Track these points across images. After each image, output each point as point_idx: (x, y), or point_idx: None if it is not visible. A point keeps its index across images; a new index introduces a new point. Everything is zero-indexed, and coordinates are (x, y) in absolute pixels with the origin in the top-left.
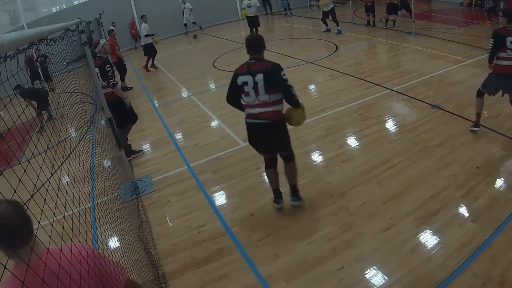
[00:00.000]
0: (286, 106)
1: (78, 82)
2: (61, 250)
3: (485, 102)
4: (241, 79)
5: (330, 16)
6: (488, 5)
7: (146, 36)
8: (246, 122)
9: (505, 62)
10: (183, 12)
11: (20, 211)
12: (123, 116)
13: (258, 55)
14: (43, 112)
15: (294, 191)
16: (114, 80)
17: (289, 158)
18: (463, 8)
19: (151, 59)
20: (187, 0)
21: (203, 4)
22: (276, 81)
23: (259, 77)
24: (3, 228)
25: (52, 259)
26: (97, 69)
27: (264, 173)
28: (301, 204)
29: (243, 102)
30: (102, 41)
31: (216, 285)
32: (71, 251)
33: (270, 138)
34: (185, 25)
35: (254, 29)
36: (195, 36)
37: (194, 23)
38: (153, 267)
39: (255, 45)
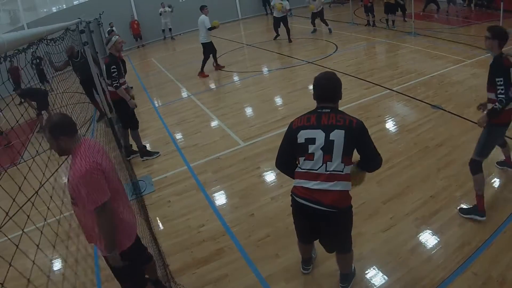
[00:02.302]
0: None
1: (78, 82)
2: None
3: (483, 100)
4: (304, 134)
5: (319, 17)
6: None
7: (210, 29)
8: (294, 200)
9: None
10: (160, 13)
11: (68, 115)
12: (126, 117)
13: (333, 104)
14: (43, 112)
15: (347, 279)
16: (117, 82)
17: (347, 249)
18: (463, 8)
19: (207, 59)
20: (167, 3)
21: (202, 3)
22: (361, 146)
23: (338, 135)
24: (67, 123)
25: (88, 140)
26: (103, 68)
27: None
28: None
29: (298, 169)
30: (115, 38)
31: (216, 285)
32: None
33: (330, 234)
34: (163, 30)
35: (285, 28)
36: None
37: (170, 29)
38: (157, 266)
39: (332, 89)
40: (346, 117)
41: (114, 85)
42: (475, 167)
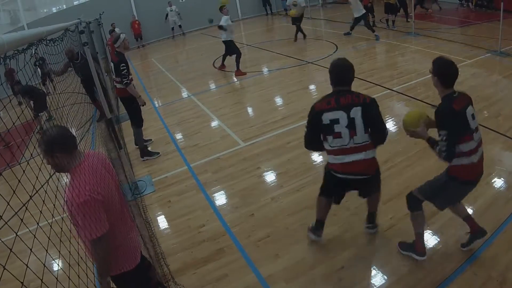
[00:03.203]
0: None
1: (78, 83)
2: (88, 153)
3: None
4: (328, 117)
5: (363, 22)
6: None
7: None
8: (332, 175)
9: (469, 159)
10: (167, 15)
11: (66, 129)
12: (136, 115)
13: (348, 87)
14: (41, 114)
15: (374, 217)
16: (127, 80)
17: (378, 189)
18: (463, 8)
19: (239, 56)
20: (173, 3)
21: (203, 4)
22: (372, 120)
23: (356, 112)
24: (64, 138)
25: (90, 157)
26: (112, 65)
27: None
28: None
29: (328, 147)
30: (123, 35)
31: (216, 285)
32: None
33: (364, 190)
34: (172, 29)
35: (296, 26)
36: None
37: (180, 26)
38: (157, 266)
39: (348, 75)
40: (361, 95)
41: (125, 82)
42: (414, 203)
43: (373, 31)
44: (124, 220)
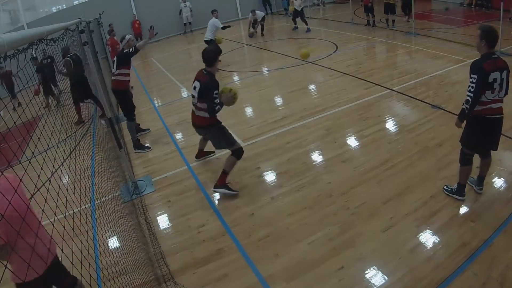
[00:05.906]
0: None
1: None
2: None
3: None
4: (492, 76)
5: (299, 16)
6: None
7: (224, 28)
8: (484, 118)
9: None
10: (180, 11)
11: None
12: (129, 106)
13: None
14: (86, 100)
15: (483, 180)
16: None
17: (490, 153)
18: (463, 8)
19: None
20: None
21: (203, 4)
22: (507, 79)
23: (505, 74)
24: None
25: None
26: (115, 59)
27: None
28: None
29: (484, 99)
30: (128, 36)
31: (216, 285)
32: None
33: (500, 131)
34: (185, 24)
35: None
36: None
37: (189, 23)
38: (157, 266)
39: (497, 38)
40: (503, 59)
41: (138, 48)
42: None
43: (306, 24)
44: (29, 233)
